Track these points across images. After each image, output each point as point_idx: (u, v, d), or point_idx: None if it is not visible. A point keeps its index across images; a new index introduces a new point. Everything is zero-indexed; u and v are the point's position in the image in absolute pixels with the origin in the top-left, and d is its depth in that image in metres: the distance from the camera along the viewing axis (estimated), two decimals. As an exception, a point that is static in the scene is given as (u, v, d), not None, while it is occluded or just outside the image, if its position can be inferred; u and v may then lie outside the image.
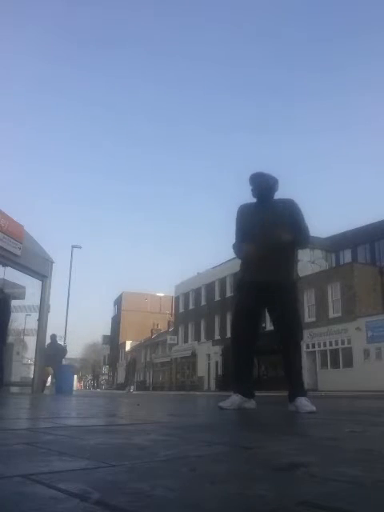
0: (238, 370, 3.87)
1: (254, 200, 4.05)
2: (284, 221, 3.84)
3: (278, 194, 4.06)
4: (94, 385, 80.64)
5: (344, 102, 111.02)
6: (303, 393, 3.66)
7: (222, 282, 38.24)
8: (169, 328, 51.42)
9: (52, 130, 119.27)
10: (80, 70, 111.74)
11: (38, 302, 12.61)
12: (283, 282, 3.81)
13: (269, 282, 3.76)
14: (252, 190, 3.99)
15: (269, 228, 3.81)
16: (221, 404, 3.65)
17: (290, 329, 3.81)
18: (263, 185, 3.94)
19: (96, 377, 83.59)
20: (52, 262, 12.94)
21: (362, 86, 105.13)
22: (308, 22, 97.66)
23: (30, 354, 13.95)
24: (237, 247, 4.01)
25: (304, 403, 3.51)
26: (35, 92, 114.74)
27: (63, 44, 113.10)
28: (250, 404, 3.76)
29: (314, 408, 3.41)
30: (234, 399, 3.68)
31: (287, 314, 3.81)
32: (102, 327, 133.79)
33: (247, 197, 4.08)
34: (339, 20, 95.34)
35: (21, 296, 13.44)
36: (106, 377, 78.90)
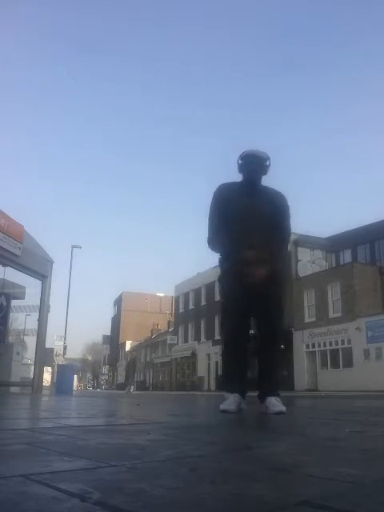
0: (235, 368, 3.58)
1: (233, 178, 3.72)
2: (274, 211, 3.57)
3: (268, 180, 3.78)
4: (94, 385, 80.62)
5: (344, 102, 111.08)
6: (275, 392, 3.44)
7: (222, 281, 38.18)
8: (169, 328, 51.41)
9: (52, 129, 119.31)
10: (80, 68, 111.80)
11: (37, 302, 12.59)
12: (273, 271, 3.51)
13: (257, 271, 3.43)
14: (241, 166, 3.66)
15: (259, 215, 3.51)
16: (224, 407, 3.27)
17: (274, 323, 3.55)
18: (257, 166, 3.63)
19: (96, 377, 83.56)
20: (52, 262, 12.93)
21: (364, 87, 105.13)
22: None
23: (29, 354, 13.95)
24: (213, 238, 3.63)
25: (274, 403, 3.30)
26: (34, 92, 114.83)
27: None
28: (243, 404, 3.52)
29: (284, 408, 3.25)
30: (236, 400, 3.36)
31: (274, 306, 3.55)
32: (102, 327, 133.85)
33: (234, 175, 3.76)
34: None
35: (21, 296, 13.44)
36: (106, 377, 78.91)
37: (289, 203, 3.75)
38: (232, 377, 3.58)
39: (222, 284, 3.73)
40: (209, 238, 3.69)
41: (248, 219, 3.51)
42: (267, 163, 3.69)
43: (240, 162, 3.68)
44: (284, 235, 3.75)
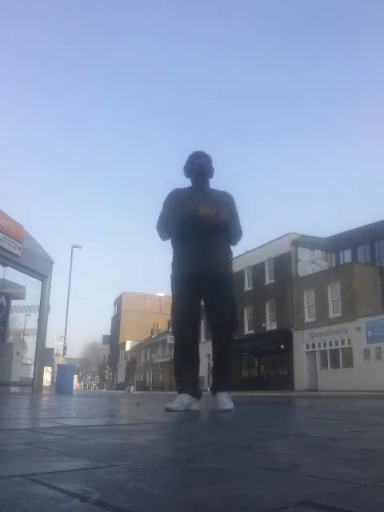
0: (184, 369, 3.64)
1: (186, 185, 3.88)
2: (221, 207, 3.67)
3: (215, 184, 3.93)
4: (100, 384, 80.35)
5: (344, 101, 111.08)
6: (225, 388, 3.58)
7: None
8: (169, 328, 51.37)
9: (52, 129, 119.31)
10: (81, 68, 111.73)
11: (38, 302, 12.61)
12: (219, 272, 3.63)
13: (204, 274, 3.57)
14: (189, 169, 3.80)
15: (204, 210, 3.59)
16: (168, 405, 3.36)
17: (224, 319, 3.64)
18: (202, 166, 3.78)
19: (102, 377, 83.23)
20: (52, 262, 12.93)
21: (365, 86, 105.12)
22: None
23: (29, 354, 13.97)
24: (162, 228, 3.81)
25: (223, 400, 3.42)
26: (33, 92, 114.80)
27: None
28: (196, 405, 3.59)
29: (232, 406, 3.36)
30: (182, 399, 3.41)
31: (222, 303, 3.64)
32: (102, 327, 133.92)
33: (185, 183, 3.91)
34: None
35: (21, 296, 13.46)
36: (106, 377, 78.82)
37: (235, 202, 3.86)
38: (183, 377, 3.62)
39: (172, 285, 3.74)
40: (159, 224, 3.83)
41: (196, 216, 3.58)
42: (211, 165, 3.85)
43: (186, 166, 3.81)
44: (236, 232, 3.81)
